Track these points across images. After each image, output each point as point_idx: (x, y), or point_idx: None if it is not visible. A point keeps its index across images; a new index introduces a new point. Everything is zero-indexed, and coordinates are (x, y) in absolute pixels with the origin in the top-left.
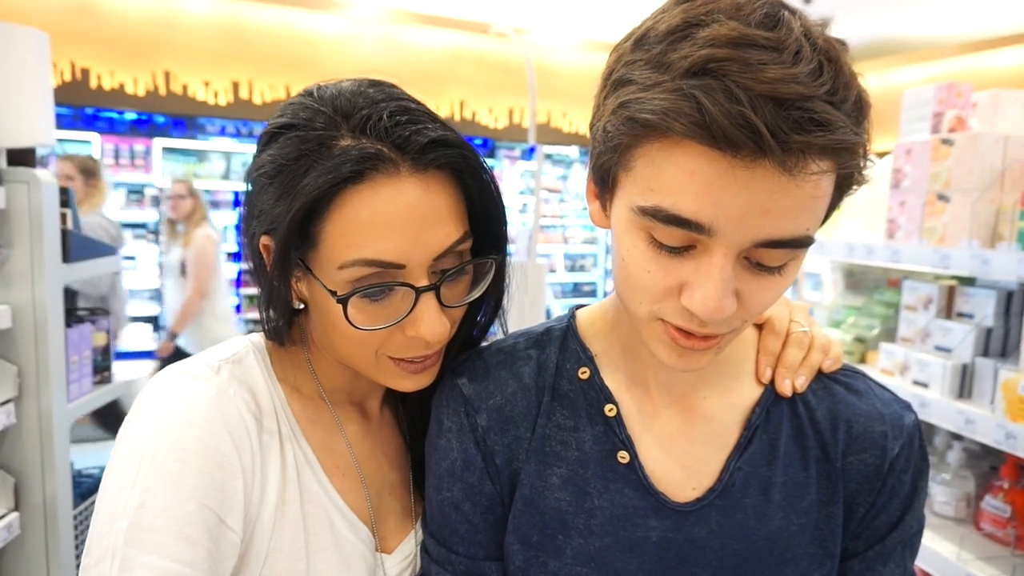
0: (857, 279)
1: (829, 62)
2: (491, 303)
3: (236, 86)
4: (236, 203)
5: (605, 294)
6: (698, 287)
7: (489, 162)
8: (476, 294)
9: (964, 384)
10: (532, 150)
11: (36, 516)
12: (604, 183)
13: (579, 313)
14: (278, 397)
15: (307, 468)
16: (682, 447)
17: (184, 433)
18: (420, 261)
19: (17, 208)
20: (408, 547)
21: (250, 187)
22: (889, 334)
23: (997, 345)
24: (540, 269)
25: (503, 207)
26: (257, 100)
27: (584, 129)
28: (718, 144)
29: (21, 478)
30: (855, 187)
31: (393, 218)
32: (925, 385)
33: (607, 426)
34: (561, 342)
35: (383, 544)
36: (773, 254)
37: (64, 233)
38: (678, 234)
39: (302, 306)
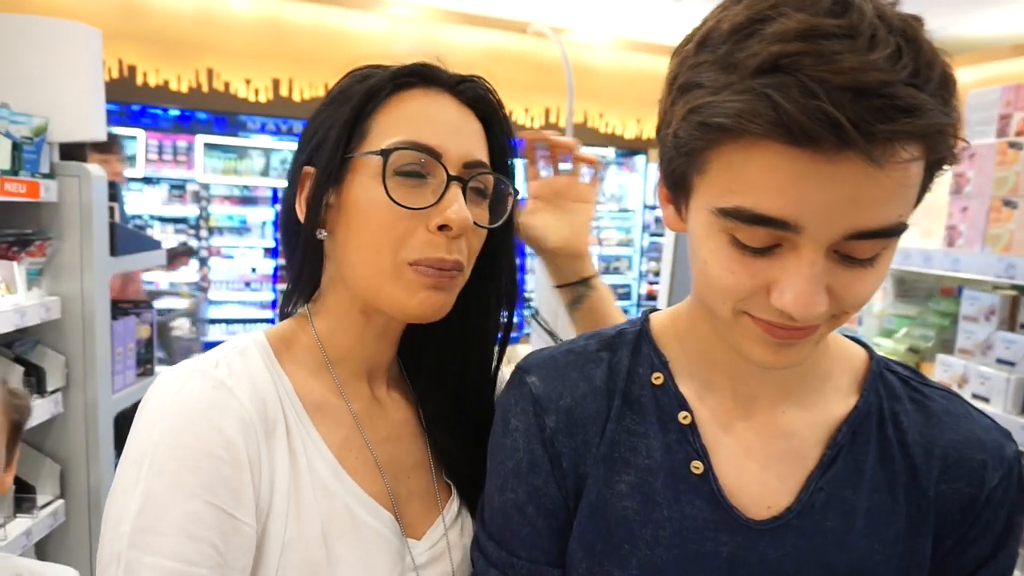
0: (908, 287)
1: (908, 42)
2: (506, 269)
3: (276, 84)
4: (274, 200)
5: (639, 296)
6: (789, 286)
7: (523, 162)
8: (498, 220)
9: None
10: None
11: (80, 503)
12: (678, 187)
13: (653, 317)
14: (283, 385)
15: (317, 455)
16: (759, 461)
17: (182, 432)
18: (454, 156)
19: (68, 201)
20: (436, 533)
21: (305, 129)
22: (945, 345)
23: None
24: None
25: (515, 162)
26: (296, 98)
27: (620, 130)
28: (798, 141)
29: (67, 466)
30: (946, 167)
31: (437, 116)
32: (986, 399)
33: (680, 434)
34: (634, 345)
35: (410, 530)
36: (864, 245)
37: (112, 226)
38: (763, 233)
39: (324, 235)
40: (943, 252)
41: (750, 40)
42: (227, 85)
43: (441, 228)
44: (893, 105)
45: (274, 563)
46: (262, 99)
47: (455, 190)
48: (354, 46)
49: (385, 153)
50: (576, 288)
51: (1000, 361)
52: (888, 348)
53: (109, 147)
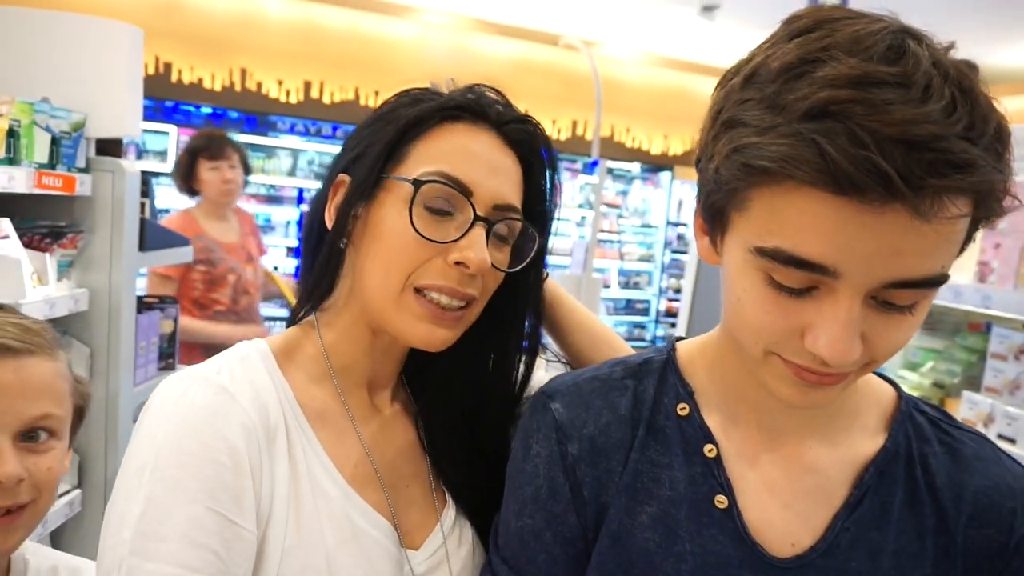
0: (935, 320)
1: (963, 94)
2: (530, 307)
3: (308, 86)
4: (299, 200)
5: (658, 313)
6: (823, 331)
7: None
8: (517, 266)
9: None
10: (595, 164)
11: (97, 494)
12: (715, 221)
13: (679, 345)
14: (284, 393)
15: (317, 462)
16: (783, 498)
17: (184, 437)
18: (485, 196)
19: (101, 195)
20: (435, 543)
21: (350, 137)
22: (971, 382)
23: None
24: (595, 284)
25: (554, 207)
26: (327, 100)
27: (647, 145)
28: (843, 190)
29: (85, 456)
30: (993, 220)
31: (476, 153)
32: (1012, 440)
33: (706, 467)
34: (660, 374)
35: (408, 540)
36: (904, 294)
37: (142, 222)
38: (800, 276)
39: (345, 245)
40: (974, 288)
41: (800, 82)
42: (259, 85)
43: (458, 263)
44: (945, 160)
45: (274, 570)
46: (293, 100)
47: (479, 231)
48: (386, 52)
49: (417, 184)
50: None
51: None
52: (913, 382)
53: (219, 152)
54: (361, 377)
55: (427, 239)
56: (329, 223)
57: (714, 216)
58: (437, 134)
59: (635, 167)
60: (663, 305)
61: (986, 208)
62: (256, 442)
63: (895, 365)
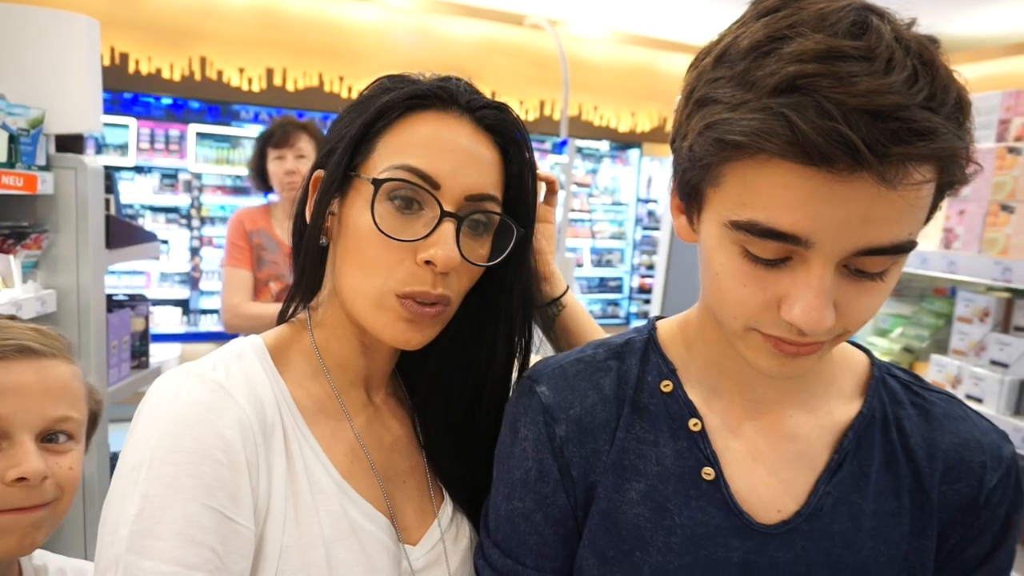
0: (902, 286)
1: (924, 66)
2: (518, 292)
3: (270, 73)
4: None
5: (631, 290)
6: (798, 300)
7: None
8: (494, 260)
9: (1020, 400)
10: (564, 143)
11: (75, 497)
12: (691, 199)
13: (659, 324)
14: (279, 389)
15: (314, 459)
16: (767, 466)
17: (179, 435)
18: (454, 190)
19: (64, 193)
20: (433, 538)
21: (330, 129)
22: (939, 345)
23: None
24: (568, 263)
25: (535, 193)
26: (290, 87)
27: (615, 123)
28: (813, 161)
29: None
30: (957, 187)
31: (446, 143)
32: (979, 400)
33: (691, 441)
34: (642, 354)
35: (406, 535)
36: (874, 261)
37: (108, 219)
38: (774, 247)
39: (325, 243)
40: (940, 254)
41: (768, 59)
42: (220, 74)
43: (427, 262)
44: (908, 128)
45: (272, 567)
46: (255, 88)
47: (447, 226)
48: (350, 37)
49: (376, 183)
50: (548, 309)
51: (994, 362)
52: (883, 348)
53: (283, 140)
54: (355, 374)
55: (393, 238)
56: (309, 218)
57: (690, 194)
58: (404, 125)
59: (604, 145)
60: (636, 282)
61: (949, 174)
62: (252, 439)
63: (866, 332)
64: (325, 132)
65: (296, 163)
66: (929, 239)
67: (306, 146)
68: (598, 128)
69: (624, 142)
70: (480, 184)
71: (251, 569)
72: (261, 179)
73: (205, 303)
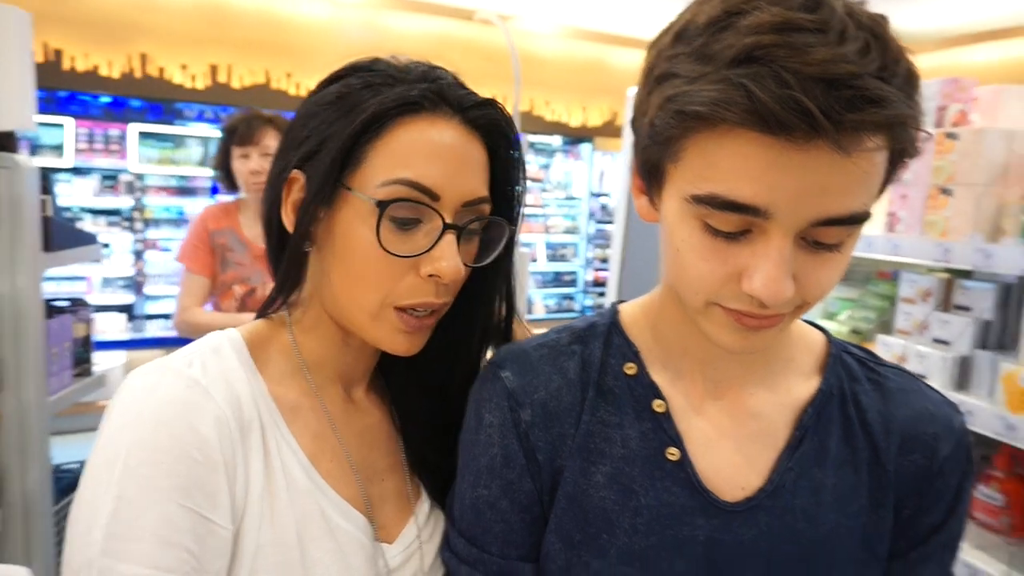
0: (848, 272)
1: (876, 39)
2: (501, 285)
3: (215, 70)
4: (214, 191)
5: (586, 283)
6: (758, 271)
7: None
8: (487, 259)
9: (962, 376)
10: (517, 138)
11: (16, 512)
12: (652, 177)
13: (622, 308)
14: (257, 385)
15: (291, 456)
16: (731, 445)
17: (155, 433)
18: (452, 198)
19: None
20: (409, 536)
21: (295, 122)
22: (885, 326)
23: (995, 338)
24: (523, 258)
25: (523, 189)
26: (236, 84)
27: (567, 118)
28: (771, 129)
29: (2, 474)
30: (908, 159)
31: (440, 151)
32: (924, 377)
33: (655, 422)
34: (605, 337)
35: (383, 533)
36: (831, 232)
37: (45, 221)
38: (734, 219)
39: (309, 248)
40: (884, 238)
41: (725, 32)
42: (162, 71)
43: (432, 275)
44: (862, 96)
45: (247, 566)
46: (199, 86)
47: (449, 238)
48: (297, 32)
49: (382, 205)
50: None
51: (936, 340)
52: (832, 330)
53: (248, 136)
54: (334, 371)
55: (397, 256)
56: (288, 223)
57: (650, 172)
58: (396, 132)
59: (556, 140)
60: (591, 275)
61: (899, 141)
62: (229, 437)
63: (815, 315)
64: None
65: (262, 162)
66: (874, 223)
67: (273, 143)
68: (550, 123)
69: (576, 136)
70: (474, 188)
71: (227, 569)
72: (227, 178)
73: (151, 308)
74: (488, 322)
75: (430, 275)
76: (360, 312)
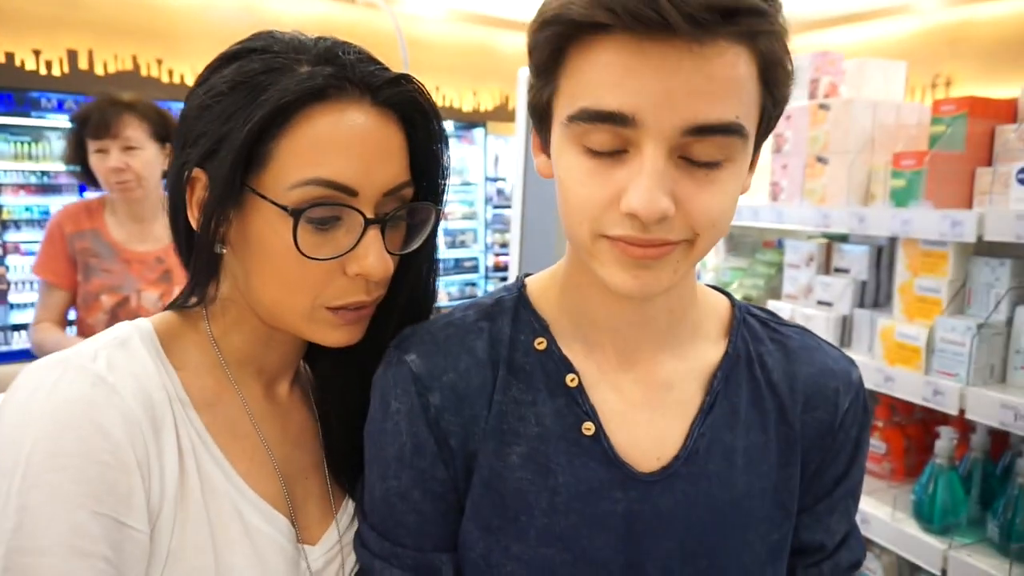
0: (736, 242)
1: None
2: (426, 266)
3: (73, 56)
4: (82, 189)
5: (487, 269)
6: (633, 185)
7: None
8: (414, 245)
9: (844, 334)
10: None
11: None
12: (542, 122)
13: (529, 281)
14: (169, 380)
15: (206, 455)
16: (645, 415)
17: (59, 436)
18: (371, 192)
19: None
20: (332, 537)
21: (188, 112)
22: (774, 292)
23: (871, 297)
24: None
25: (447, 160)
26: (100, 72)
27: (458, 103)
28: (627, 25)
29: None
30: (783, 85)
31: (352, 141)
32: None
33: (569, 397)
34: (513, 313)
35: (305, 534)
36: (703, 145)
37: None
38: (607, 135)
39: (222, 251)
40: (769, 207)
41: None
42: (11, 57)
43: (359, 274)
44: None
45: (159, 572)
46: (56, 73)
47: (373, 234)
48: (166, 14)
49: (296, 213)
50: None
51: (820, 302)
52: None
53: (103, 128)
54: (256, 367)
55: (319, 260)
56: (194, 223)
57: (540, 118)
58: (301, 124)
59: (448, 126)
60: (491, 261)
61: (758, 42)
62: (141, 436)
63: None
64: (159, 109)
65: (124, 157)
66: (759, 194)
67: (136, 134)
68: (441, 108)
69: (468, 121)
70: (394, 175)
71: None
72: (88, 173)
73: (16, 317)
74: (415, 306)
75: (358, 274)
76: (290, 314)
